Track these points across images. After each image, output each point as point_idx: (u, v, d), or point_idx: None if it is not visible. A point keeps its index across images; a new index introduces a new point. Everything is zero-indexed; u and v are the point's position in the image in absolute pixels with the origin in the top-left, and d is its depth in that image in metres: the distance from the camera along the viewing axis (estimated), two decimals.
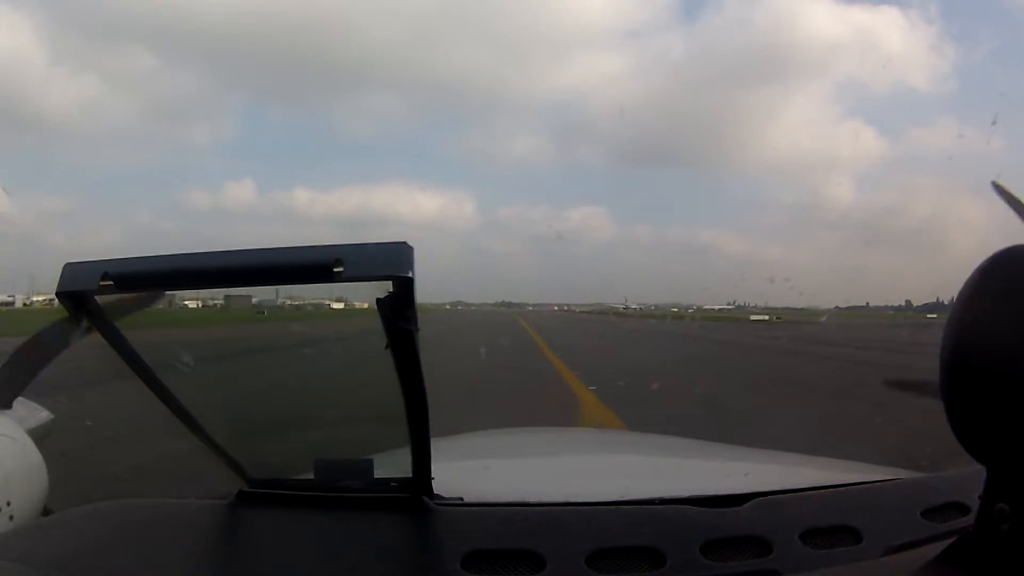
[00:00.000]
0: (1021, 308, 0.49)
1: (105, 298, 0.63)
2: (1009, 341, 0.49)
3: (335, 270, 0.56)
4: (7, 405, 1.05)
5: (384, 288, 0.57)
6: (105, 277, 0.60)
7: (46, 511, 0.97)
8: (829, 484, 0.88)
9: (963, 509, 0.76)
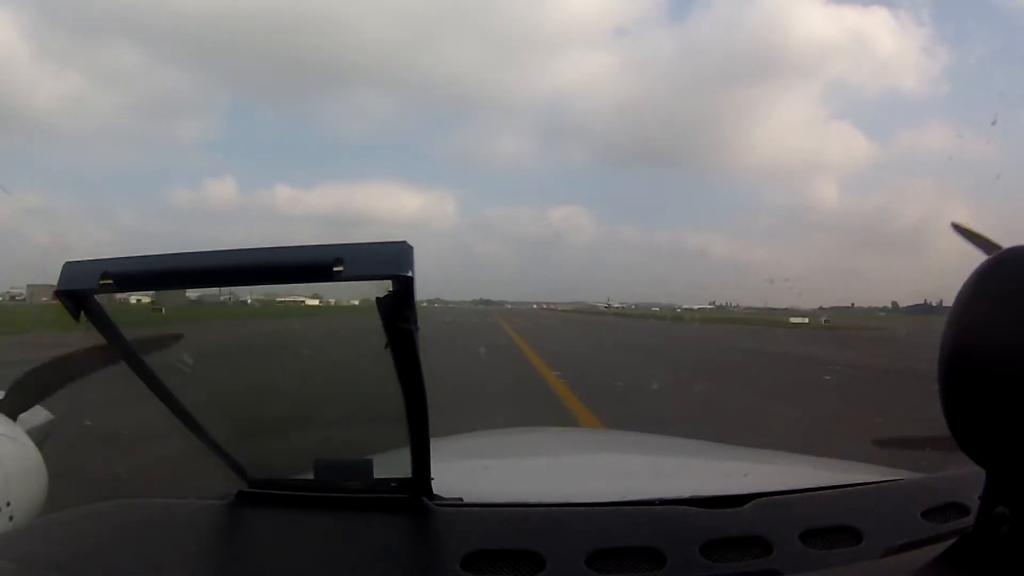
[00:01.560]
0: (1020, 310, 0.49)
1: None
2: (1008, 343, 0.49)
3: (335, 269, 0.56)
4: (13, 417, 1.05)
5: (383, 287, 0.57)
6: (105, 276, 0.60)
7: (46, 511, 0.97)
8: (829, 484, 0.88)
9: (963, 510, 0.76)
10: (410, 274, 0.56)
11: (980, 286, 0.53)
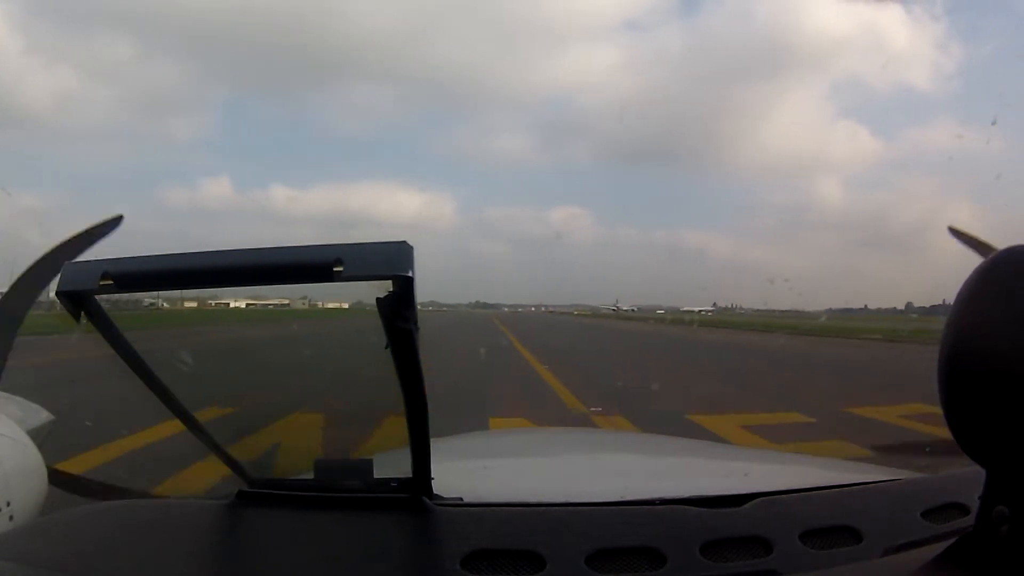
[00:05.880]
0: (1020, 309, 0.49)
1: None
2: (1008, 343, 0.49)
3: (335, 269, 0.56)
4: None
5: (383, 287, 0.57)
6: (105, 276, 0.60)
7: (46, 511, 0.97)
8: (829, 484, 0.88)
9: (963, 510, 0.76)
10: (410, 274, 0.56)
11: (980, 286, 0.53)
